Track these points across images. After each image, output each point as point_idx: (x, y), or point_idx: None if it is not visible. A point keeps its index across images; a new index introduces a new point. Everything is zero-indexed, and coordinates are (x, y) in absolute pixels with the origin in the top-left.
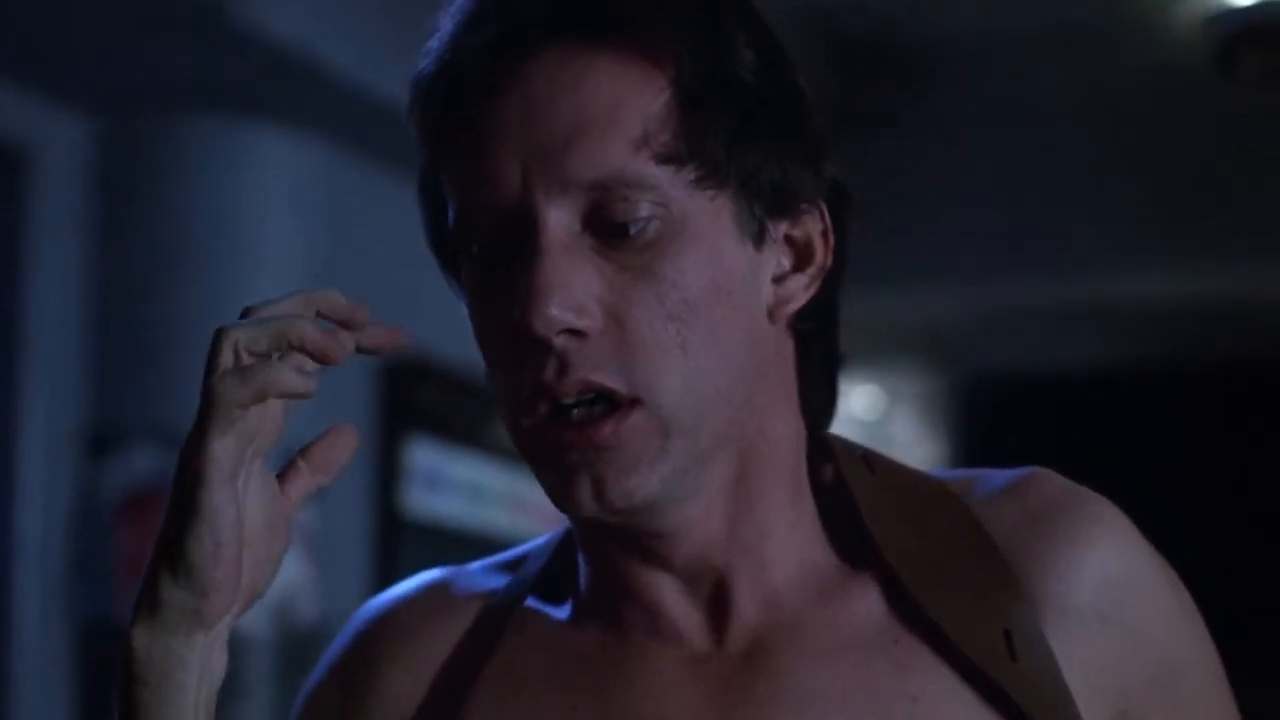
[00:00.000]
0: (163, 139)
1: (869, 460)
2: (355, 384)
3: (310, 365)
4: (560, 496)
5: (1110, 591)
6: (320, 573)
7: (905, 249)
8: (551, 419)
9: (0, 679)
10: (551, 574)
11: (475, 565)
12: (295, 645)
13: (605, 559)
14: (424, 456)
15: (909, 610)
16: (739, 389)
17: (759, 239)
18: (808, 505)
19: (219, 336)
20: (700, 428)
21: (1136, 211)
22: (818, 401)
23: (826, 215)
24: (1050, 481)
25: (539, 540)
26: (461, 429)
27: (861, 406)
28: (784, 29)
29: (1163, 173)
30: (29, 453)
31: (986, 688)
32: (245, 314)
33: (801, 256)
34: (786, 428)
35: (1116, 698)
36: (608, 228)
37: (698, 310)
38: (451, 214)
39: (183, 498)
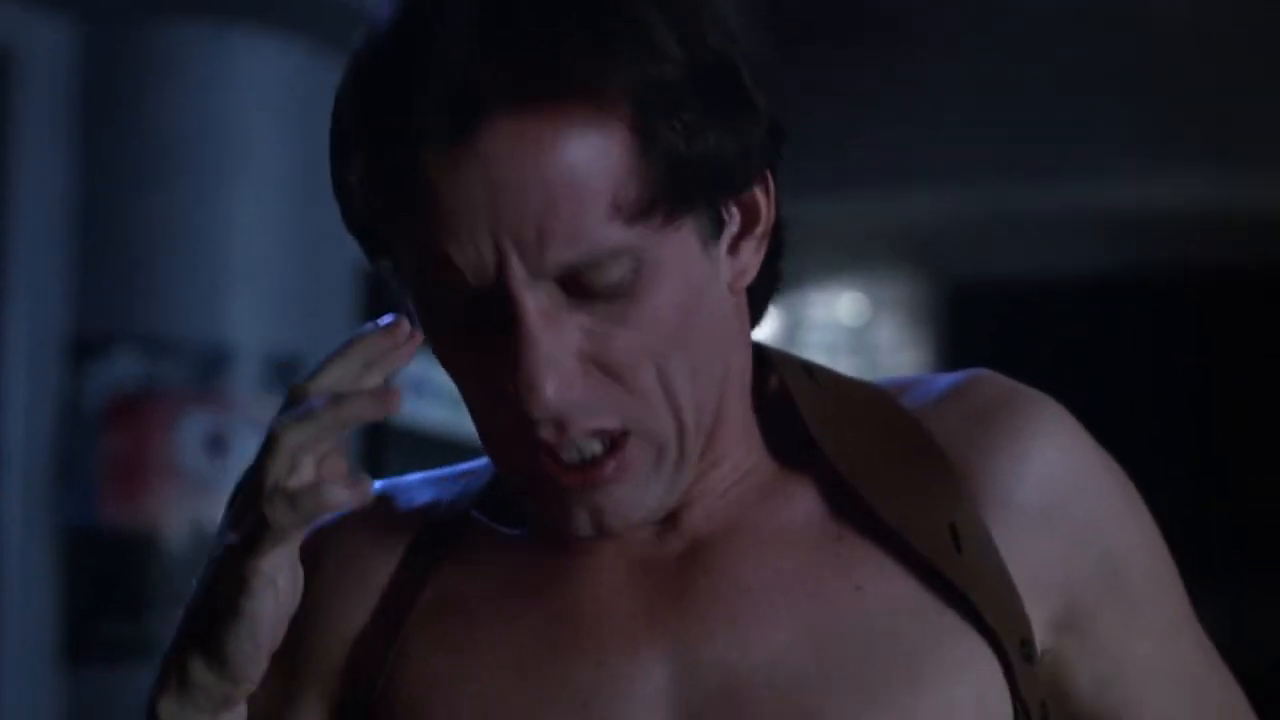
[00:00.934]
0: (147, 43)
1: (809, 370)
2: (339, 289)
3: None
4: (556, 524)
5: (1053, 487)
6: None
7: (890, 154)
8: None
9: None
10: (495, 489)
11: (416, 478)
12: None
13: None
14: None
15: (853, 509)
16: (716, 379)
17: (717, 232)
18: (751, 415)
19: (274, 442)
20: (688, 436)
21: (1127, 117)
22: (761, 315)
23: (767, 172)
24: (991, 382)
25: (482, 459)
26: None
27: (846, 313)
28: None
29: (1155, 77)
30: (12, 360)
31: (931, 580)
32: (293, 397)
33: (749, 218)
34: (744, 358)
35: (1061, 591)
36: (584, 290)
37: (674, 338)
38: (409, 268)
39: (225, 601)
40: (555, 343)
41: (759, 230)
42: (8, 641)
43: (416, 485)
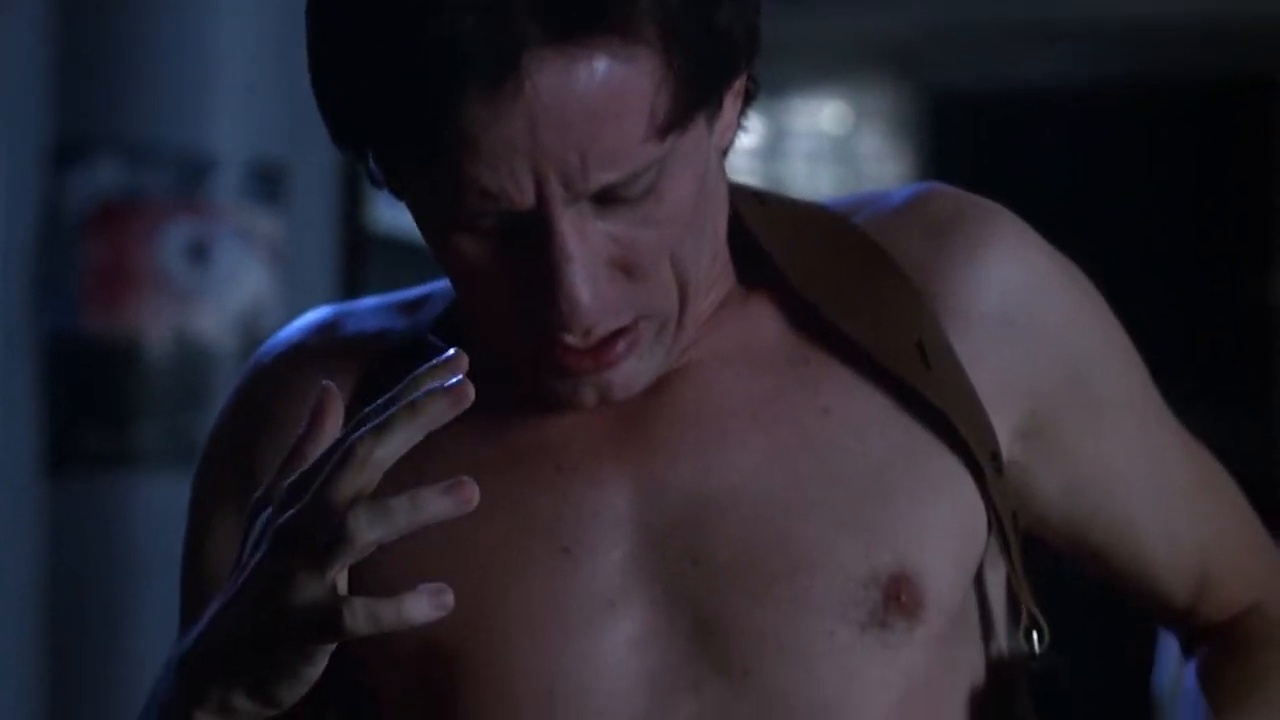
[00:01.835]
0: None
1: (760, 198)
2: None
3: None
4: (556, 396)
5: (1012, 296)
6: (285, 286)
7: None
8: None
9: None
10: (454, 316)
11: (367, 304)
12: None
13: None
14: None
15: (818, 331)
16: (714, 243)
17: (719, 109)
18: (726, 252)
19: (350, 455)
20: (689, 306)
21: None
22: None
23: None
24: (943, 196)
25: (441, 282)
26: None
27: (830, 122)
28: None
29: None
30: None
31: (901, 398)
32: (362, 421)
33: None
34: (724, 198)
35: (1025, 400)
36: (614, 199)
37: (688, 224)
38: (420, 187)
39: (282, 652)
40: (590, 259)
41: (736, 85)
42: None
43: (368, 313)
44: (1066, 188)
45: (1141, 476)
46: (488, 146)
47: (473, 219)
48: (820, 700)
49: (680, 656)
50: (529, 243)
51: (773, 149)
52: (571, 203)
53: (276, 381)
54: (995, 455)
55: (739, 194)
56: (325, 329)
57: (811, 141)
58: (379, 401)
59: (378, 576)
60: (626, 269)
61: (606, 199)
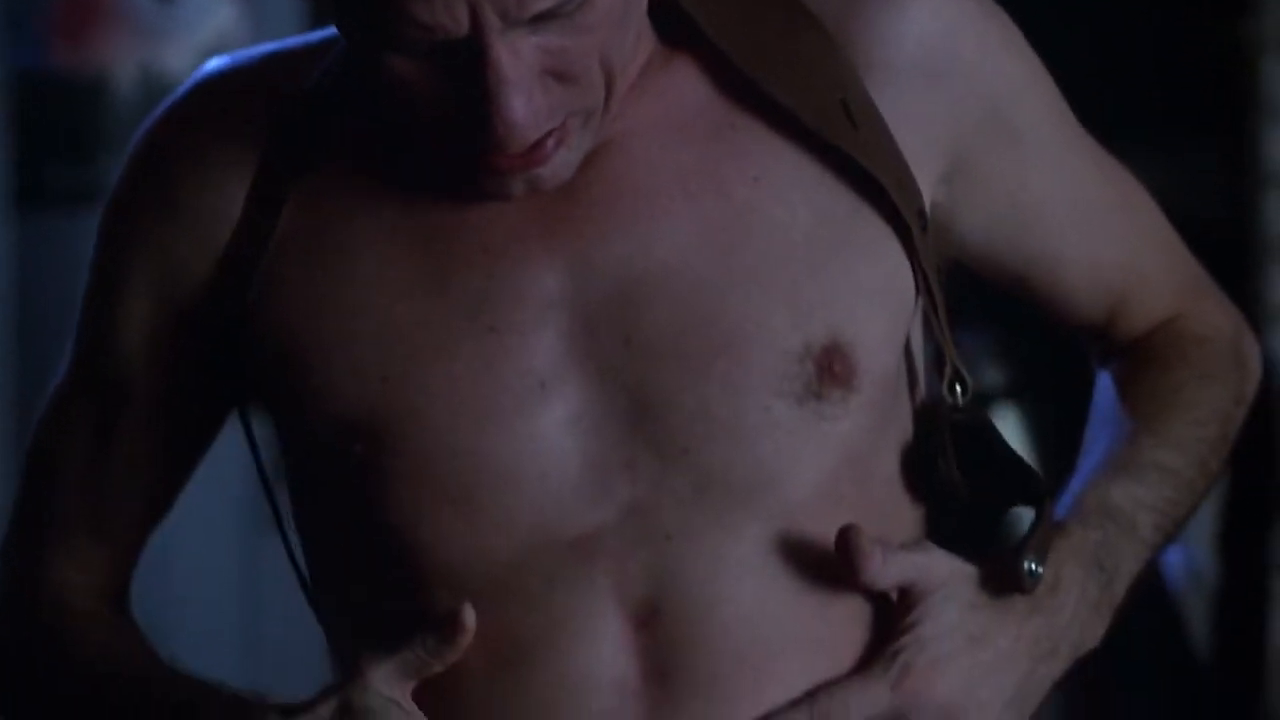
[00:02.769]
0: None
1: None
2: None
3: None
4: (489, 194)
5: (931, 40)
6: (252, 21)
7: None
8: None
9: None
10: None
11: (259, 54)
12: None
13: None
14: None
15: (743, 94)
16: (641, 24)
17: None
18: (646, 21)
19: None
20: (615, 91)
21: None
22: None
23: None
24: None
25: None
26: None
27: None
28: None
29: None
30: None
31: (828, 161)
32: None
33: None
34: None
35: (948, 146)
36: (547, 16)
37: (618, 23)
38: (360, 15)
39: None
40: (524, 78)
41: None
42: None
43: (263, 65)
44: None
45: (1061, 203)
46: None
47: (406, 45)
48: (757, 475)
49: (615, 437)
50: (462, 65)
51: None
52: (506, 30)
53: (175, 159)
54: (922, 213)
55: None
56: (220, 84)
57: None
58: None
59: (295, 344)
60: (558, 75)
61: (540, 18)
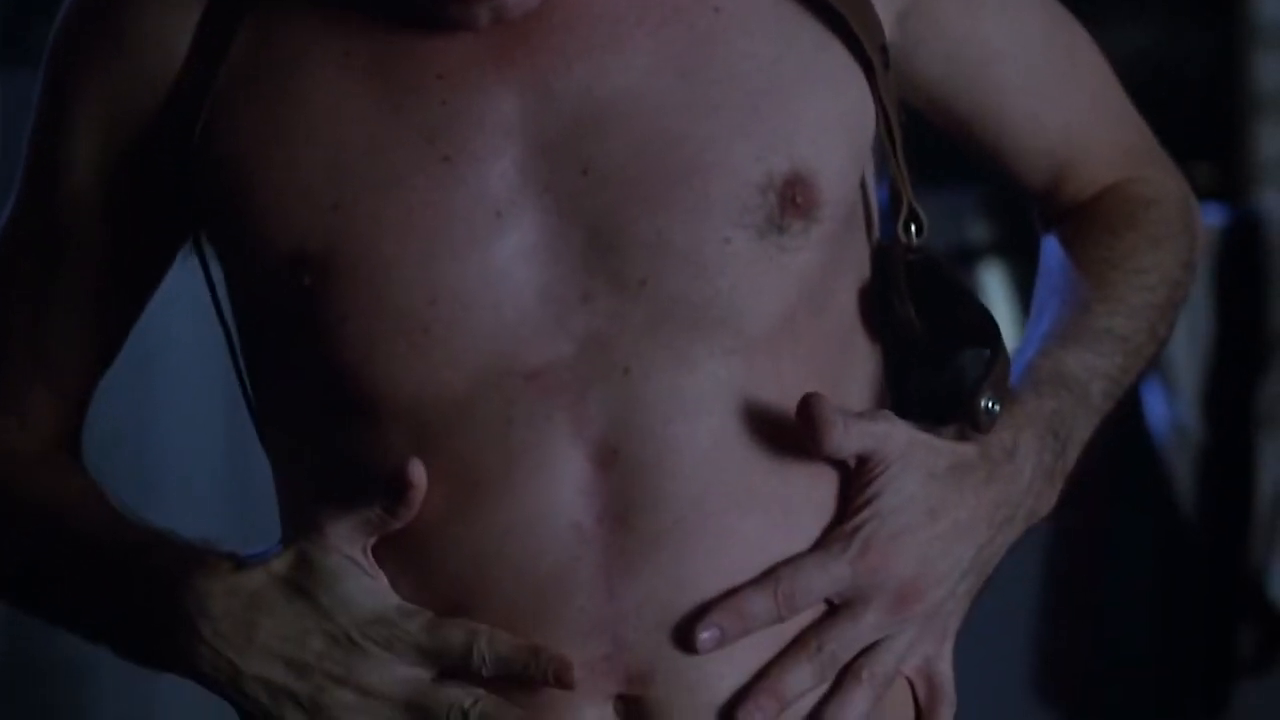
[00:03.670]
0: None
1: None
2: None
3: None
4: (451, 22)
5: None
6: None
7: None
8: None
9: None
10: None
11: None
12: None
13: None
14: None
15: None
16: None
17: None
18: None
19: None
20: None
21: None
22: None
23: None
24: None
25: None
26: None
27: None
28: None
29: None
30: None
31: None
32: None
33: None
34: None
35: None
36: None
37: None
38: None
39: None
40: None
41: None
42: None
43: None
44: None
45: (1009, 60)
46: None
47: None
48: (716, 307)
49: (572, 267)
50: None
51: None
52: None
53: None
54: (884, 49)
55: None
56: None
57: None
58: None
59: (244, 174)
60: None
61: None
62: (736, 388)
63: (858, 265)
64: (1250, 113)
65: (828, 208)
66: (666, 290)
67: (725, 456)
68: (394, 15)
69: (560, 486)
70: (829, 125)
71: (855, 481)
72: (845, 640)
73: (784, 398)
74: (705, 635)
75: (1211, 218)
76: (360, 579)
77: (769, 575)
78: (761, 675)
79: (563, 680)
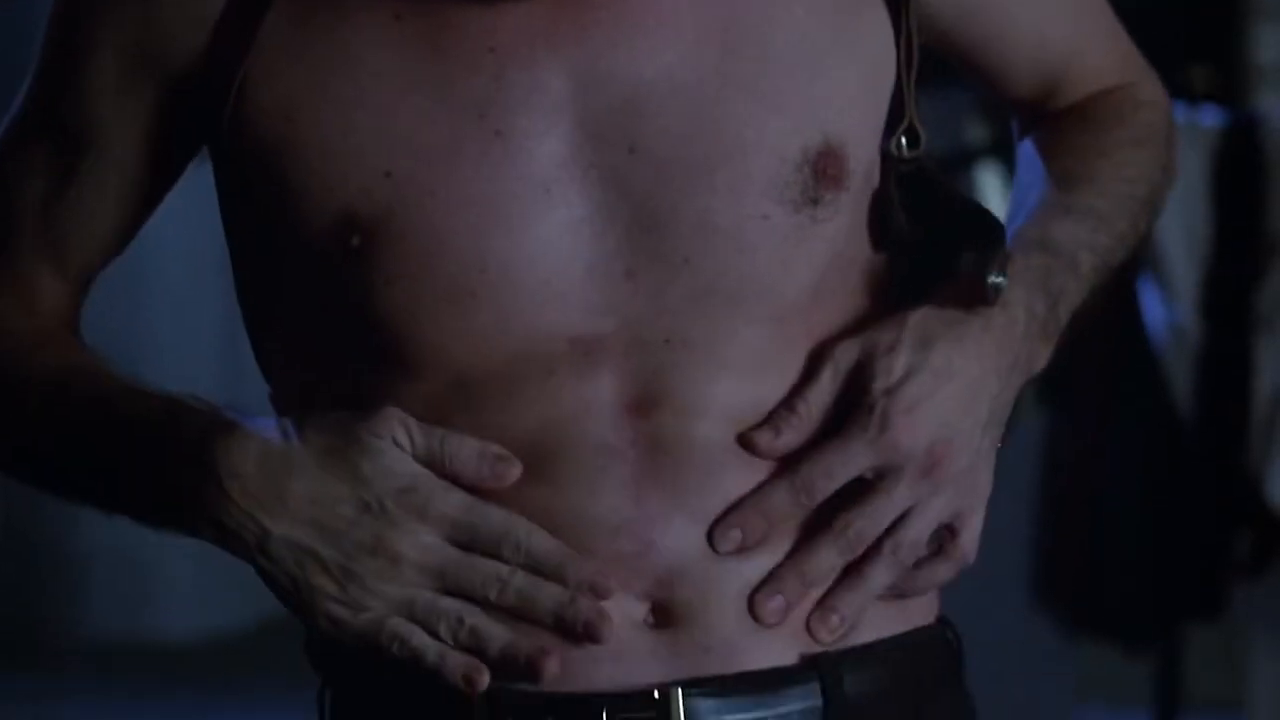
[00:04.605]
0: None
1: None
2: None
3: None
4: None
5: None
6: None
7: None
8: None
9: None
10: None
11: None
12: None
13: None
14: None
15: None
16: None
17: None
18: None
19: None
20: None
21: None
22: None
23: None
24: None
25: None
26: None
27: None
28: None
29: None
30: None
31: None
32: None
33: None
34: None
35: None
36: None
37: None
38: None
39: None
40: None
41: None
42: None
43: None
44: None
45: None
46: None
47: None
48: (756, 282)
49: (617, 244)
50: None
51: None
52: None
53: None
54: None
55: None
56: None
57: None
58: None
59: (291, 132)
60: None
61: None
62: (773, 350)
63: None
64: (1249, 15)
65: (857, 176)
66: (708, 268)
67: (758, 405)
68: None
69: (596, 423)
70: (858, 92)
71: (853, 381)
72: (877, 517)
73: (815, 352)
74: (727, 535)
75: (1210, 120)
76: (402, 456)
77: (788, 468)
78: (788, 561)
79: (598, 590)
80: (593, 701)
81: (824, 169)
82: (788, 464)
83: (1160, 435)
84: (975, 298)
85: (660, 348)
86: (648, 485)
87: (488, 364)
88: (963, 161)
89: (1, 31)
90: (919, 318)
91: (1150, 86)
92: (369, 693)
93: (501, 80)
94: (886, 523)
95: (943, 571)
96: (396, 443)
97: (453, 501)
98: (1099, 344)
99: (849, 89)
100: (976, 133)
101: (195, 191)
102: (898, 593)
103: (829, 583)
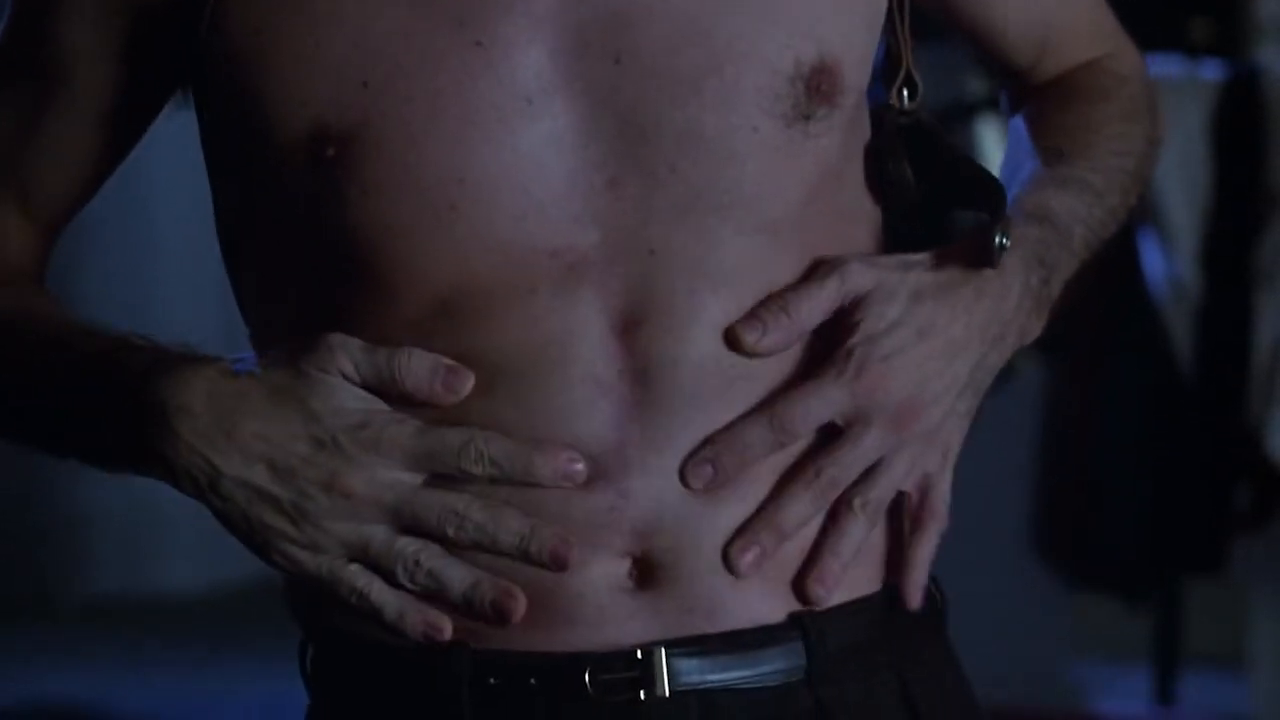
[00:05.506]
0: None
1: None
2: None
3: None
4: None
5: None
6: None
7: None
8: None
9: None
10: None
11: None
12: None
13: None
14: None
15: None
16: None
17: None
18: None
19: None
20: None
21: None
22: None
23: None
24: None
25: None
26: None
27: None
28: None
29: None
30: None
31: None
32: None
33: None
34: None
35: None
36: None
37: None
38: None
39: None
40: None
41: None
42: None
43: None
44: None
45: None
46: None
47: None
48: (743, 193)
49: (600, 155)
50: None
51: None
52: None
53: None
54: None
55: None
56: None
57: None
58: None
59: (265, 43)
60: None
61: None
62: (759, 262)
63: (862, 131)
64: None
65: (850, 94)
66: (694, 178)
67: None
68: None
69: (581, 346)
70: (852, 9)
71: (844, 317)
72: (845, 463)
73: (804, 269)
74: (699, 470)
75: (1210, 73)
76: (355, 392)
77: (765, 405)
78: (761, 511)
79: (568, 475)
80: (576, 662)
81: (817, 84)
82: (764, 405)
83: (1160, 388)
84: (979, 258)
85: (644, 258)
86: (630, 423)
87: (468, 281)
88: (962, 115)
89: None
90: (918, 271)
91: (1130, 57)
92: (348, 650)
93: None
94: (856, 471)
95: (927, 538)
96: (344, 374)
97: (406, 430)
98: (1098, 296)
99: (844, 6)
100: (975, 87)
101: (200, 174)
102: (894, 574)
103: (800, 531)
